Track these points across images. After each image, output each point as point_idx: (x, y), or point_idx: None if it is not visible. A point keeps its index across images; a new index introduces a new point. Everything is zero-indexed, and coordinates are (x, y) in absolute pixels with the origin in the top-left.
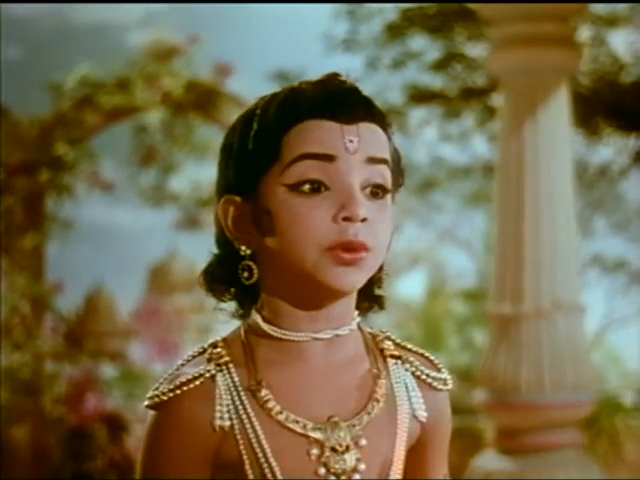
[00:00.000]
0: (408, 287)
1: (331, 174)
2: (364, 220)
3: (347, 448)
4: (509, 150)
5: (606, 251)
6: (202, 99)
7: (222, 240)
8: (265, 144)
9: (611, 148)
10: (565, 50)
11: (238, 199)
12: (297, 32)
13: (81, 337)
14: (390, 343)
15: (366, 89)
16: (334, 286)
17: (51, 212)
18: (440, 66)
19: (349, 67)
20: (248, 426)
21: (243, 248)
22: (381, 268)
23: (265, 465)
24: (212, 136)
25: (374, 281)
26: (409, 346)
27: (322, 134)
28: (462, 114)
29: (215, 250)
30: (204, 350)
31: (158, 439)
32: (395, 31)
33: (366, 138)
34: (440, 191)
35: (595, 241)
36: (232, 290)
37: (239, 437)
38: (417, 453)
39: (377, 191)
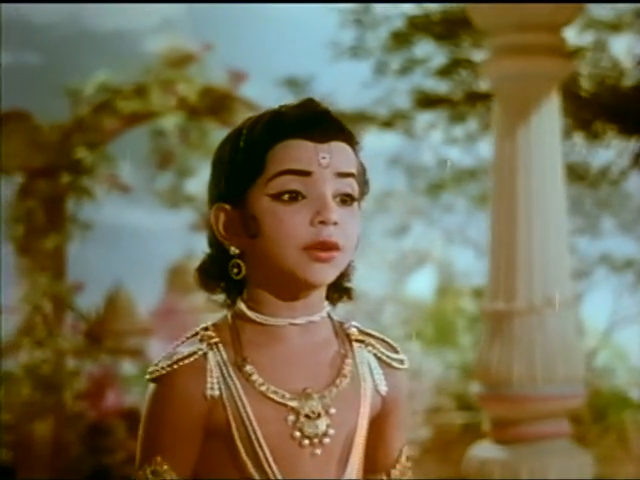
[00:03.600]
0: (419, 285)
1: (308, 185)
2: (336, 223)
3: (319, 415)
4: (503, 154)
5: (614, 250)
6: (216, 104)
7: (214, 242)
8: (252, 159)
9: (612, 150)
10: (556, 59)
11: (228, 207)
12: (306, 40)
13: (101, 335)
14: (355, 330)
15: (374, 94)
16: (310, 280)
17: (71, 214)
18: (446, 71)
19: (357, 73)
20: (235, 395)
21: (233, 248)
22: (349, 264)
23: (250, 429)
24: None
25: (343, 275)
26: (372, 332)
27: (300, 152)
28: (467, 118)
29: (208, 250)
30: (196, 333)
31: (158, 407)
32: (401, 38)
33: (336, 155)
34: (449, 192)
35: (603, 240)
36: (222, 284)
37: (227, 405)
38: (379, 424)
39: (346, 199)
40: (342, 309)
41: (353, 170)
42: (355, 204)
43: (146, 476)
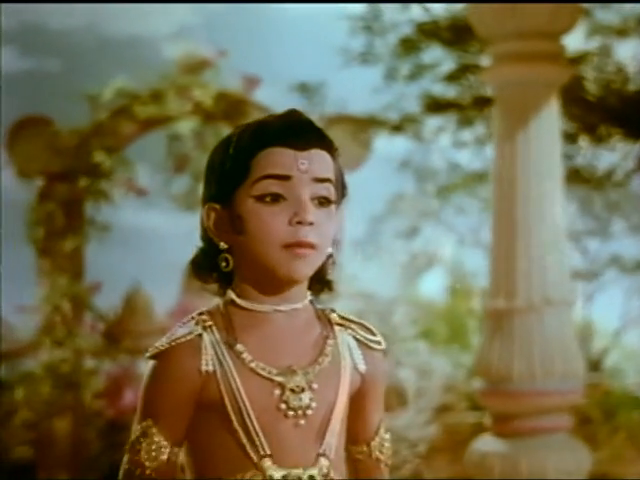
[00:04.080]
0: (429, 286)
1: (287, 189)
2: (311, 224)
3: (302, 390)
4: (503, 157)
5: (624, 252)
6: (231, 109)
7: (205, 237)
8: (238, 164)
9: (617, 153)
10: (555, 65)
11: (218, 206)
12: (318, 46)
13: (119, 335)
14: (336, 315)
15: (384, 99)
16: (289, 277)
17: (89, 216)
18: (454, 77)
19: (367, 79)
20: (227, 371)
21: (222, 244)
22: (329, 258)
23: (240, 401)
24: None
25: (323, 269)
26: (351, 317)
27: (281, 159)
28: (475, 122)
29: (200, 245)
30: (192, 318)
31: (155, 380)
32: (410, 44)
33: (315, 161)
34: (459, 195)
35: (613, 242)
36: (214, 275)
37: (220, 380)
38: (359, 400)
39: (323, 201)
40: (354, 309)
41: (330, 175)
42: (332, 206)
43: (137, 437)
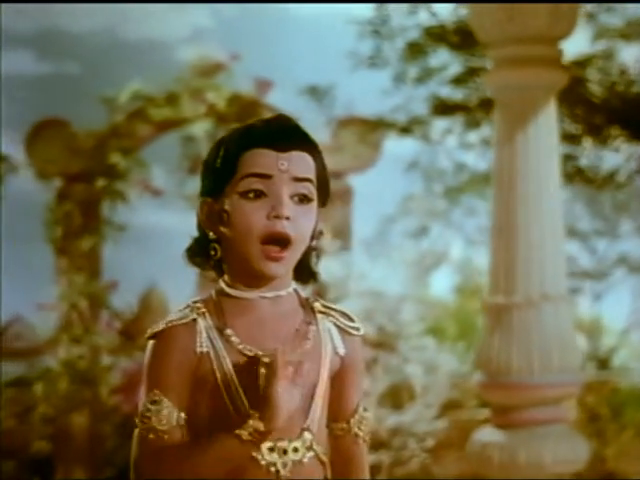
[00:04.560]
0: (439, 284)
1: (268, 186)
2: (288, 218)
3: None
4: (502, 159)
5: (632, 252)
6: (243, 111)
7: (200, 228)
8: (227, 164)
9: (621, 155)
10: (553, 70)
11: (210, 200)
12: (328, 50)
13: (135, 333)
14: (319, 304)
15: (393, 102)
16: (265, 274)
17: (106, 216)
18: (461, 79)
19: (376, 82)
20: (219, 353)
21: (211, 234)
22: (314, 251)
23: (230, 380)
24: None
25: (306, 260)
26: (333, 306)
27: (263, 159)
28: (482, 124)
29: (196, 234)
30: (188, 305)
31: (158, 356)
32: (417, 48)
33: (295, 162)
34: (467, 195)
35: (621, 242)
36: (211, 263)
37: (213, 360)
38: (339, 381)
39: (303, 198)
40: (363, 307)
41: (310, 175)
42: (312, 204)
43: (146, 407)
